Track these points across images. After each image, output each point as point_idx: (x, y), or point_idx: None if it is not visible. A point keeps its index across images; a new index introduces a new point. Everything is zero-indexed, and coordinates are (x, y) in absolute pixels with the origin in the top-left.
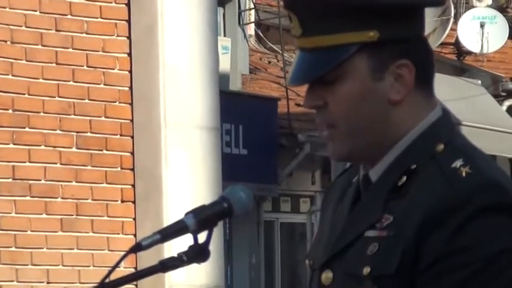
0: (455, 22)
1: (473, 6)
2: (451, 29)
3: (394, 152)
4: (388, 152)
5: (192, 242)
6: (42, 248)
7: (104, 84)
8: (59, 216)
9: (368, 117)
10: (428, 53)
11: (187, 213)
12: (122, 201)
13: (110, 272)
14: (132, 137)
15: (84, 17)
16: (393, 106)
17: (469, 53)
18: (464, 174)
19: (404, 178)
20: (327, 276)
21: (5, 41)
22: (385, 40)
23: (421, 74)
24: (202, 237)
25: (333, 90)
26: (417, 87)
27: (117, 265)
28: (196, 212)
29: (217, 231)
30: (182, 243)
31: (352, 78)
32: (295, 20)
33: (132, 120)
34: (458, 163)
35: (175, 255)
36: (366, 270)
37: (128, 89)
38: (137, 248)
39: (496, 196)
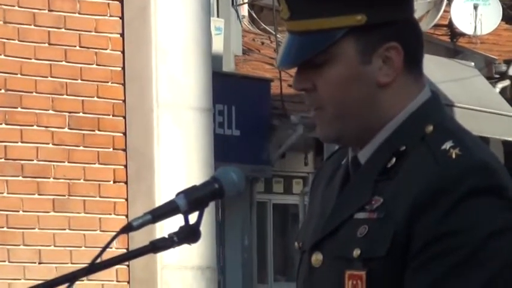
0: (449, 4)
1: None
2: (445, 11)
3: (383, 134)
4: (377, 134)
5: (183, 223)
6: (34, 229)
7: (97, 65)
8: (51, 197)
9: (356, 100)
10: (417, 35)
11: (178, 194)
12: (114, 182)
13: (101, 252)
14: (125, 118)
15: None
16: (382, 89)
17: (463, 34)
18: (454, 155)
19: (394, 160)
20: (316, 258)
21: None
22: (373, 23)
23: (409, 56)
24: (193, 217)
25: (321, 73)
26: (406, 70)
27: (108, 245)
28: (188, 193)
29: (209, 212)
30: (175, 223)
31: (340, 62)
32: (283, 3)
33: (124, 101)
34: (448, 145)
35: (166, 235)
36: (356, 252)
37: (120, 69)
38: (128, 228)
39: (486, 178)
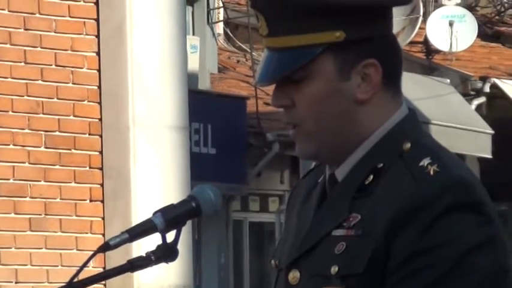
0: (424, 21)
1: (442, 5)
2: (420, 28)
3: (360, 151)
4: (354, 151)
5: (160, 242)
6: (11, 248)
7: (73, 83)
8: (28, 216)
9: (335, 116)
10: (395, 52)
11: (155, 213)
12: (91, 201)
13: (78, 272)
14: (101, 136)
15: (53, 15)
16: (360, 105)
17: (438, 51)
18: (432, 172)
19: (371, 177)
20: (294, 275)
21: None
22: (352, 40)
23: (388, 73)
24: (170, 236)
25: (300, 89)
26: (384, 87)
27: (85, 264)
28: (165, 211)
29: (186, 230)
30: (151, 242)
31: (319, 78)
32: (262, 20)
33: (100, 119)
34: (425, 161)
35: (144, 254)
36: (334, 269)
37: (96, 87)
38: (105, 247)
39: (464, 194)
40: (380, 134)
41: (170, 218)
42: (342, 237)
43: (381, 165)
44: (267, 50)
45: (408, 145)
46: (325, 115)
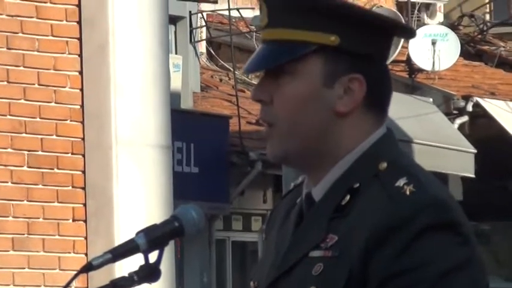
0: (407, 40)
1: (424, 24)
2: (403, 47)
3: (336, 170)
4: (330, 169)
5: (143, 262)
6: None
7: (55, 103)
8: (10, 235)
9: (310, 122)
10: (385, 79)
11: (138, 233)
12: (73, 220)
13: None
14: (84, 156)
15: (36, 35)
16: (338, 118)
17: (421, 70)
18: (408, 192)
19: (348, 197)
20: None
21: None
22: (345, 49)
23: (372, 94)
24: (153, 256)
25: (281, 87)
26: (366, 106)
27: (68, 285)
28: (147, 232)
29: (169, 250)
30: (134, 262)
31: (302, 78)
32: (264, 9)
33: (83, 139)
34: (402, 181)
35: (126, 274)
36: None
37: (79, 107)
38: (88, 267)
39: (440, 214)
40: (357, 154)
41: (153, 238)
42: (319, 258)
43: (357, 185)
44: (261, 44)
45: (384, 165)
46: (301, 118)
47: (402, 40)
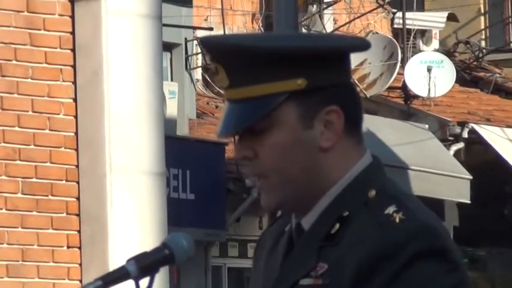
0: (402, 66)
1: (420, 51)
2: (398, 73)
3: (325, 199)
4: (319, 200)
5: None
6: None
7: (50, 130)
8: (5, 262)
9: (298, 166)
10: (356, 99)
11: (129, 260)
12: (68, 247)
13: None
14: (78, 183)
15: (30, 62)
16: (323, 153)
17: (416, 97)
18: (397, 220)
19: (337, 226)
20: None
21: None
22: (313, 87)
23: (350, 120)
24: (144, 283)
25: (262, 140)
26: (346, 133)
27: None
28: (138, 259)
29: (163, 276)
30: None
31: (281, 128)
32: (222, 72)
33: (77, 166)
34: (391, 209)
35: None
36: None
37: (73, 134)
38: None
39: (429, 241)
40: (345, 182)
41: (143, 265)
42: (309, 286)
43: (347, 213)
44: (228, 103)
45: (373, 193)
46: (289, 165)
47: (398, 67)
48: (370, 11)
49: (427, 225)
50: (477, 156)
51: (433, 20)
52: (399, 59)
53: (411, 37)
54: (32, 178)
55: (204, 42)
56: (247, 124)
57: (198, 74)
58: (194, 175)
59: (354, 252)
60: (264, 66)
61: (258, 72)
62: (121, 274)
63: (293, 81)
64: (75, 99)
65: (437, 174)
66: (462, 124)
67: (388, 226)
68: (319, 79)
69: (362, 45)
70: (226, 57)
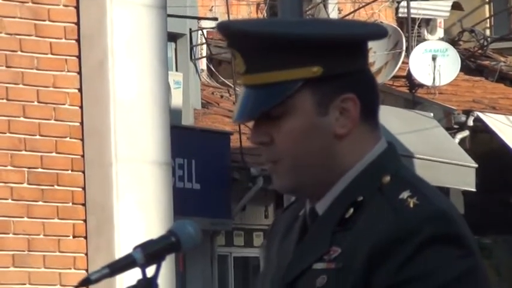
0: (407, 55)
1: (425, 39)
2: (403, 62)
3: (340, 185)
4: (334, 185)
5: (141, 276)
6: None
7: (55, 120)
8: (11, 252)
9: (314, 152)
10: (372, 87)
11: (135, 248)
12: (74, 237)
13: None
14: (84, 173)
15: (35, 53)
16: (339, 140)
17: (421, 85)
18: (411, 205)
19: (352, 210)
20: None
21: None
22: (329, 75)
23: (366, 107)
24: (151, 270)
25: (278, 126)
26: (362, 121)
27: None
28: (144, 246)
29: (169, 265)
30: (134, 276)
31: (297, 114)
32: (238, 58)
33: (83, 156)
34: (405, 194)
35: None
36: None
37: (78, 124)
38: (86, 281)
39: (443, 226)
40: (359, 168)
41: (150, 252)
42: (323, 270)
43: (361, 198)
44: (244, 88)
45: (388, 178)
46: (304, 151)
47: (402, 56)
48: (374, 0)
49: (441, 210)
50: (482, 144)
51: (438, 8)
52: (404, 48)
53: (416, 26)
54: (37, 168)
55: (221, 28)
56: (262, 110)
57: (203, 64)
58: (199, 165)
59: (368, 237)
60: (280, 53)
61: (274, 59)
62: (128, 262)
63: (309, 69)
64: (80, 90)
65: (443, 163)
66: (467, 112)
67: (402, 211)
68: (336, 67)
69: (380, 33)
70: (243, 43)
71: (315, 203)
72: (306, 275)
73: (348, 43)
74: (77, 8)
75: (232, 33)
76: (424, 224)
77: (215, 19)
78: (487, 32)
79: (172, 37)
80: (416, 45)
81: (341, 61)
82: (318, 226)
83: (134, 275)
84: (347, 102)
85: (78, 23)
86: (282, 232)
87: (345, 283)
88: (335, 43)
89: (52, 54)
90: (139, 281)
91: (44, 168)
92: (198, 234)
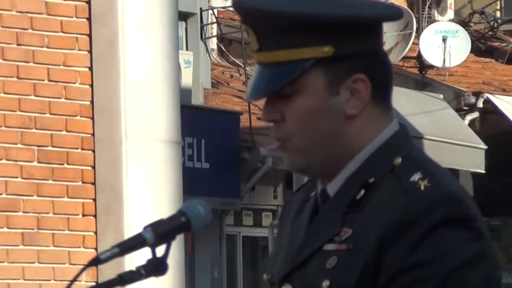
0: (418, 36)
1: (435, 21)
2: (413, 43)
3: (351, 166)
4: (345, 166)
5: (150, 256)
6: (3, 262)
7: (65, 98)
8: (20, 230)
9: (324, 132)
10: (385, 68)
11: (145, 227)
12: (83, 215)
13: (69, 286)
14: (93, 151)
15: (45, 31)
16: (349, 120)
17: (431, 67)
18: (422, 187)
19: (363, 192)
20: None
21: None
22: (341, 55)
23: (377, 88)
24: (161, 250)
25: (290, 104)
26: (373, 102)
27: (75, 278)
28: (155, 226)
29: (178, 244)
30: (143, 256)
31: (308, 93)
32: (252, 35)
33: (93, 134)
34: (416, 176)
35: (134, 268)
36: (326, 283)
37: (89, 103)
38: (96, 261)
39: (454, 209)
40: (371, 149)
41: (160, 232)
42: (333, 251)
43: (372, 180)
44: (258, 65)
45: (399, 160)
46: (315, 130)
47: (413, 37)
48: None
49: (452, 193)
50: (492, 126)
51: None
52: (414, 29)
53: (426, 7)
54: (47, 146)
55: (235, 5)
56: (274, 88)
57: (213, 43)
58: (209, 144)
59: (379, 218)
60: (293, 31)
61: (287, 38)
62: (138, 241)
63: (320, 48)
64: (90, 68)
65: (452, 144)
66: (477, 94)
67: (413, 193)
68: (347, 47)
69: (395, 14)
70: (257, 21)
71: (326, 184)
72: (316, 256)
73: (361, 24)
74: None
75: (246, 10)
76: (435, 207)
77: None
78: (498, 14)
79: (183, 16)
80: (427, 26)
81: (353, 42)
82: (329, 207)
83: (143, 255)
84: (358, 83)
85: (89, 2)
86: (293, 213)
87: (356, 264)
88: (348, 24)
89: (63, 32)
90: (149, 261)
91: (54, 147)
92: (208, 214)
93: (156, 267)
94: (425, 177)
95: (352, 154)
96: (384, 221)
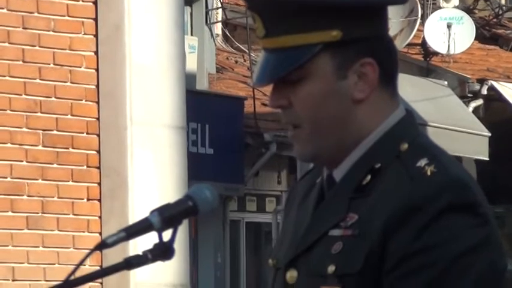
0: (422, 23)
1: (440, 7)
2: (418, 30)
3: (358, 151)
4: (352, 151)
5: (157, 240)
6: (8, 246)
7: (71, 83)
8: (25, 214)
9: (332, 116)
10: (391, 52)
11: (152, 211)
12: (88, 200)
13: (74, 270)
14: (99, 135)
15: (51, 15)
16: (357, 105)
17: (436, 53)
18: (429, 173)
19: (369, 177)
20: (291, 275)
21: None
22: (348, 39)
23: (384, 72)
24: (167, 235)
25: (297, 89)
26: (381, 86)
27: (81, 262)
28: (161, 210)
29: (183, 229)
30: (148, 241)
31: (315, 78)
32: (258, 21)
33: (98, 119)
34: (423, 162)
35: (140, 253)
36: (331, 268)
37: (94, 87)
38: (102, 245)
39: (460, 194)
40: (377, 135)
41: (167, 216)
42: (339, 237)
43: (379, 165)
44: (264, 51)
45: (406, 146)
46: (323, 115)
47: (418, 23)
48: None
49: (458, 178)
50: (496, 113)
51: None
52: (419, 15)
53: None
54: (52, 130)
55: None
56: (281, 74)
57: (218, 28)
58: (213, 129)
59: (385, 204)
60: (299, 16)
61: (294, 23)
62: (144, 226)
63: (328, 33)
64: (96, 52)
65: (456, 131)
66: (481, 81)
67: (419, 179)
68: (355, 31)
69: None
70: (263, 6)
71: (333, 170)
72: (322, 242)
73: (368, 7)
74: None
75: None
76: (441, 192)
77: None
78: (502, 1)
79: (188, 1)
80: (432, 12)
81: (360, 26)
82: (335, 193)
83: (149, 239)
84: (366, 66)
85: None
86: (299, 199)
87: (361, 250)
88: (355, 7)
89: (69, 16)
90: (155, 245)
91: (59, 131)
92: (215, 199)
93: (163, 251)
94: (432, 162)
95: (359, 139)
96: (390, 207)
